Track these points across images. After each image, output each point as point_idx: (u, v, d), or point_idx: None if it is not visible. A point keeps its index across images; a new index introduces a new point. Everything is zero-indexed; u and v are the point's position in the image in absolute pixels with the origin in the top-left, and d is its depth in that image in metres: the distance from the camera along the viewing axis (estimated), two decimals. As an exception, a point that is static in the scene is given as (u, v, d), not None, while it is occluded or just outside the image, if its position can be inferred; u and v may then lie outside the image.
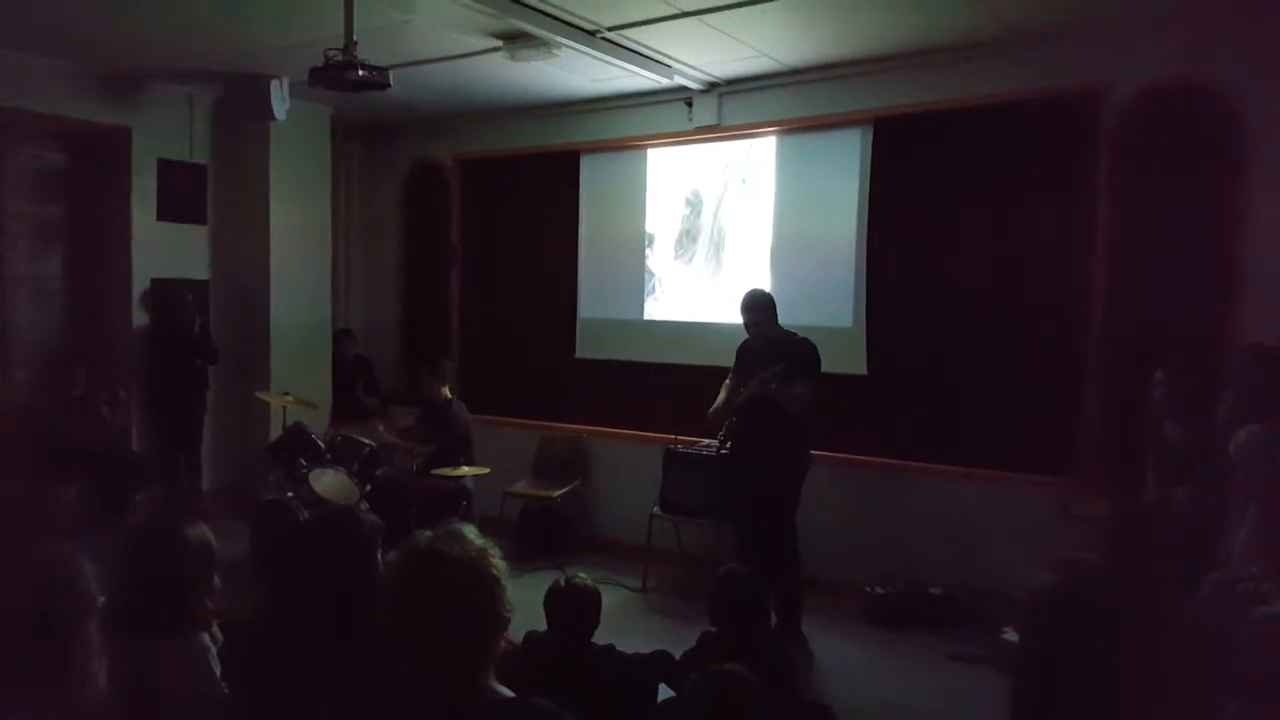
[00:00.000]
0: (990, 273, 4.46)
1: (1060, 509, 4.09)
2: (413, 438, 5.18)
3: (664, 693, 2.67)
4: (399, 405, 6.05)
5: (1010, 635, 3.68)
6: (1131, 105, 4.05)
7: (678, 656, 2.73)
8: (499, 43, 4.35)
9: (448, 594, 1.29)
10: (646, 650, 2.79)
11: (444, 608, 1.29)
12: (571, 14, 4.05)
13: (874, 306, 4.76)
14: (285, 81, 5.35)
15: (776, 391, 3.87)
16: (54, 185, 5.35)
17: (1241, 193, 3.82)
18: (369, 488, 4.68)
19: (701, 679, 1.97)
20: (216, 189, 5.84)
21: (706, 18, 4.02)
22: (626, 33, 4.28)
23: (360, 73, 3.52)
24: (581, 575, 2.73)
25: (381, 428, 5.35)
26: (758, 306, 4.14)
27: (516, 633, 2.27)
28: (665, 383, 5.39)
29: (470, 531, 1.37)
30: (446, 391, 5.15)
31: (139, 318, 5.47)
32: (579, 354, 5.79)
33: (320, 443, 4.79)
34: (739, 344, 4.30)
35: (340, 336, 6.35)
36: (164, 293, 5.48)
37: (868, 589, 4.40)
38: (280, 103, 5.40)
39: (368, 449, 4.82)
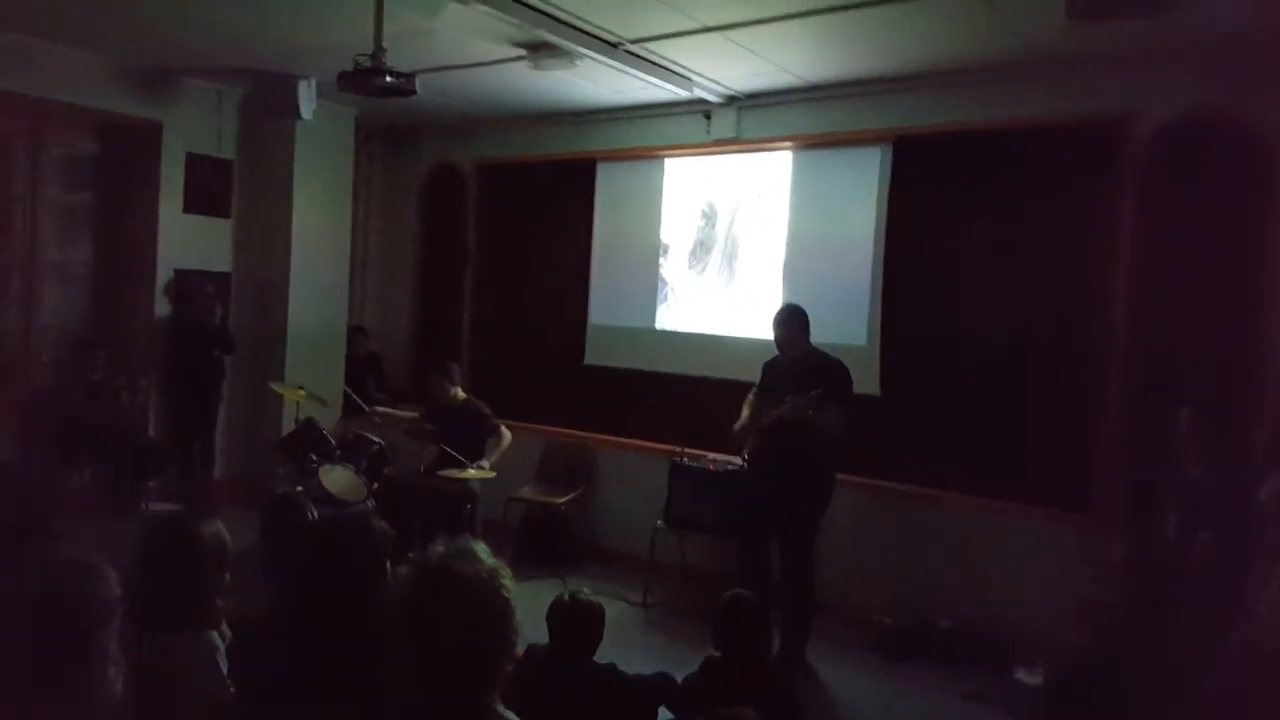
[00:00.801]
0: (1009, 298, 4.40)
1: (1077, 551, 3.92)
2: (417, 435, 5.21)
3: (664, 715, 2.66)
4: (406, 405, 6.10)
5: (1023, 676, 3.62)
6: (1158, 134, 3.99)
7: (679, 678, 2.71)
8: (523, 52, 4.41)
9: (458, 613, 1.26)
10: (648, 670, 2.77)
11: (453, 627, 1.26)
12: (596, 26, 4.09)
13: (889, 326, 4.72)
14: (312, 82, 5.46)
15: (813, 417, 3.79)
16: (86, 174, 5.48)
17: (1272, 224, 3.74)
18: (376, 485, 4.73)
19: None
20: (242, 184, 5.94)
21: (729, 33, 4.05)
22: (649, 45, 4.32)
23: (387, 79, 3.57)
24: (585, 591, 2.72)
25: (380, 417, 5.33)
26: (791, 321, 4.10)
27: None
28: (673, 393, 5.38)
29: (482, 550, 1.35)
30: (460, 391, 5.19)
31: (161, 307, 5.57)
32: (587, 361, 5.81)
33: (331, 439, 4.86)
34: (761, 361, 4.28)
35: (354, 333, 6.46)
36: (186, 283, 5.58)
37: (875, 619, 4.31)
38: (307, 103, 5.52)
39: (377, 447, 4.87)
